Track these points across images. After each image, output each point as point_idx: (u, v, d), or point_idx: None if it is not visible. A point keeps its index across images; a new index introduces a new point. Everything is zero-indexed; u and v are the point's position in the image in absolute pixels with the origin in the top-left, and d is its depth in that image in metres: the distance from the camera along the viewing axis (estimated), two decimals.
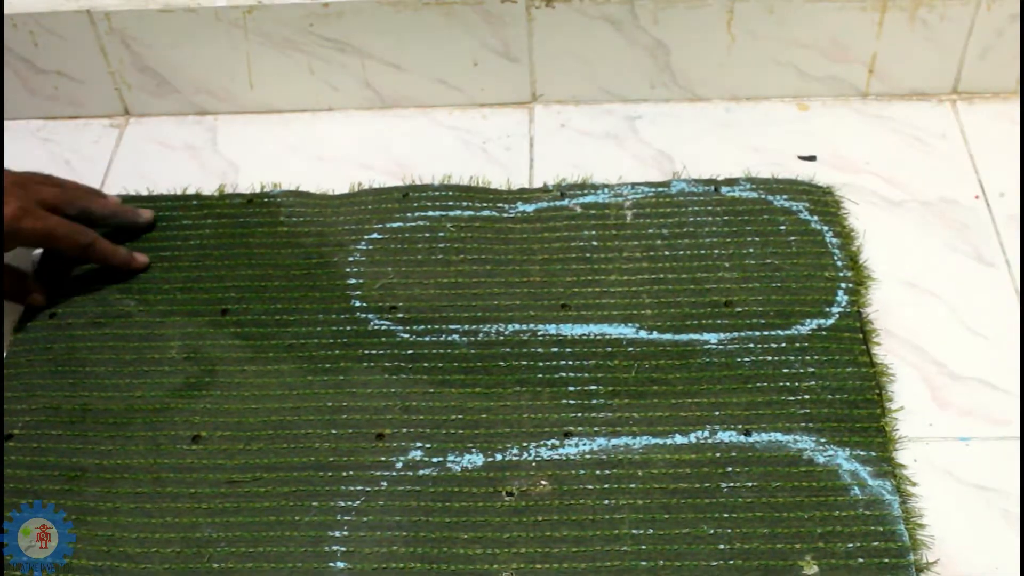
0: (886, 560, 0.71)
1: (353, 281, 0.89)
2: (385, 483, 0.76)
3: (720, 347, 0.82)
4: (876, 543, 0.71)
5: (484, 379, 0.82)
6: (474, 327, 0.85)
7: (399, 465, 0.77)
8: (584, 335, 0.84)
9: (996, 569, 0.71)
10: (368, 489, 0.76)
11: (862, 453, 0.76)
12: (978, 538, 0.72)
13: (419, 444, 0.78)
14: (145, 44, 1.01)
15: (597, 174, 0.96)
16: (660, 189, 0.94)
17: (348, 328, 0.86)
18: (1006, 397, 0.79)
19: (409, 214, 0.94)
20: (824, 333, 0.83)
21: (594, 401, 0.80)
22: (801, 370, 0.80)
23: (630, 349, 0.83)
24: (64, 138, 1.05)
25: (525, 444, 0.78)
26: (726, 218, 0.91)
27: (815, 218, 0.91)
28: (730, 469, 0.75)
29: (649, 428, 0.78)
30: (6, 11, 0.98)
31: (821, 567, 0.71)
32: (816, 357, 0.81)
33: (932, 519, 0.73)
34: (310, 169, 0.99)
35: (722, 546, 0.72)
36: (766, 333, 0.83)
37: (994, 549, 0.72)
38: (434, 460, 0.77)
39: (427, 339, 0.85)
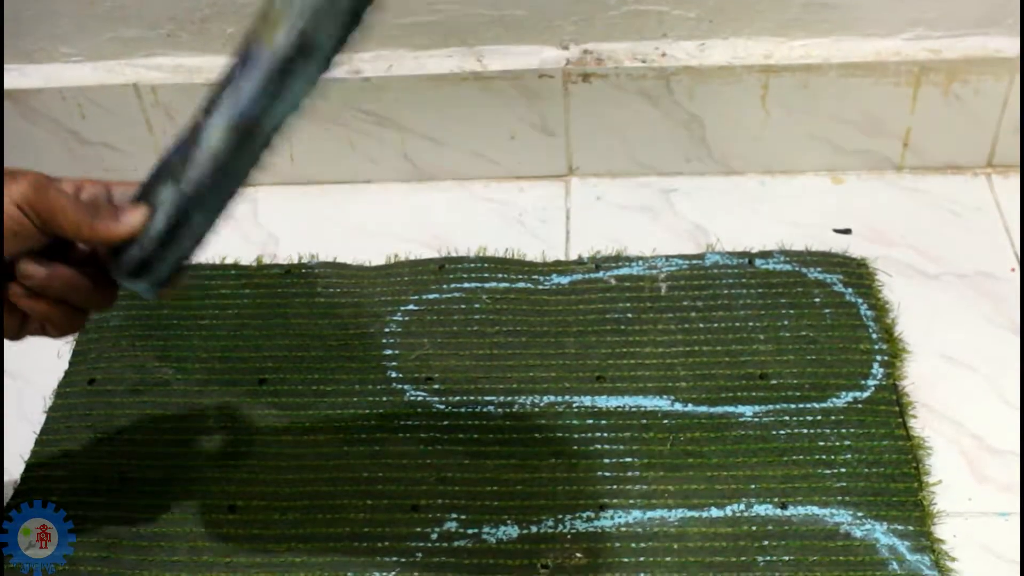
0: None
1: (389, 352, 0.90)
2: (420, 554, 0.76)
3: (755, 420, 0.82)
4: None
5: (519, 451, 0.82)
6: (509, 399, 0.85)
7: (434, 536, 0.77)
8: (619, 407, 0.84)
9: None
10: (403, 560, 0.76)
11: (900, 527, 0.75)
12: None
13: (454, 515, 0.78)
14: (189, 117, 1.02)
15: (632, 247, 0.97)
16: (694, 262, 0.94)
17: (384, 399, 0.86)
18: None
19: (445, 285, 0.94)
20: (860, 406, 0.82)
21: (629, 473, 0.80)
22: (837, 443, 0.80)
23: (665, 422, 0.83)
24: None
25: (560, 516, 0.77)
26: (760, 291, 0.91)
27: (849, 291, 0.91)
28: (766, 542, 0.75)
29: (684, 501, 0.78)
30: (56, 84, 1.01)
31: None
32: (852, 430, 0.81)
33: None
34: (348, 241, 1.00)
35: None
36: (801, 406, 0.83)
37: None
38: (469, 531, 0.77)
39: (462, 410, 0.85)
